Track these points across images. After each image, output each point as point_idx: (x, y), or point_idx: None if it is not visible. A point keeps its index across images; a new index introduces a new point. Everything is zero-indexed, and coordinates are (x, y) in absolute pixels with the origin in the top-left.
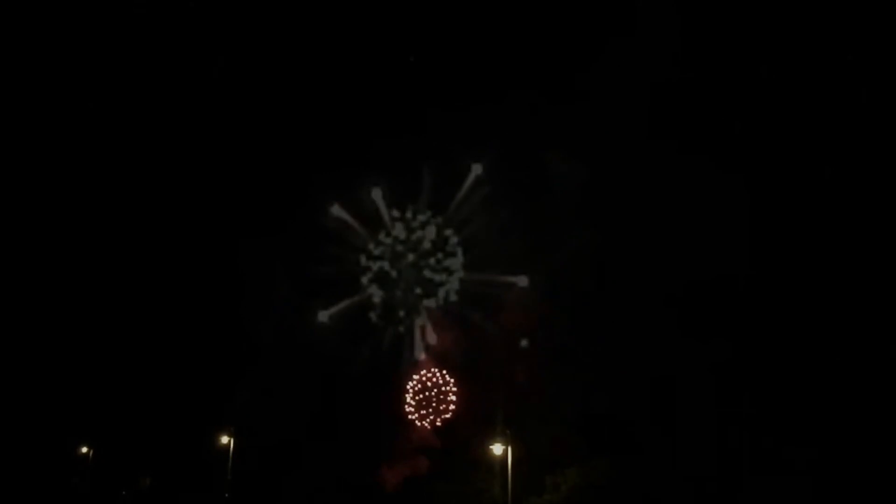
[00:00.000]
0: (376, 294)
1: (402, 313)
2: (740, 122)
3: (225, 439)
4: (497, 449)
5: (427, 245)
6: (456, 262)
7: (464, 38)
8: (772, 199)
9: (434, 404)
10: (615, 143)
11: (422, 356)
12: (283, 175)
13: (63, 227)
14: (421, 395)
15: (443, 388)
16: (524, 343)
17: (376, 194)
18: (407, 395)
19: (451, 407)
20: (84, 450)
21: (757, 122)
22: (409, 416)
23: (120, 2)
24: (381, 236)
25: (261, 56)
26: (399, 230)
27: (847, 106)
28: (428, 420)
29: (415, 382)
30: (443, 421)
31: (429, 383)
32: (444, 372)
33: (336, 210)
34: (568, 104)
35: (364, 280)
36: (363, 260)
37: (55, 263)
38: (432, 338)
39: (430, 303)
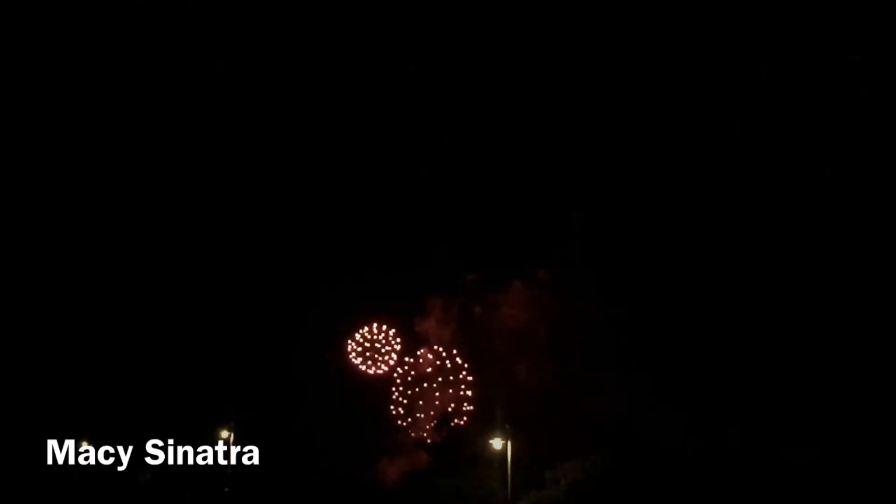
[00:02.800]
0: None
1: None
2: (740, 122)
3: (225, 434)
4: (497, 444)
5: None
6: None
7: None
8: (771, 198)
9: (437, 402)
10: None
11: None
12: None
13: (65, 226)
14: (416, 389)
15: (451, 379)
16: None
17: None
18: (394, 392)
19: (468, 407)
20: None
21: (757, 122)
22: (400, 423)
23: (120, 2)
24: None
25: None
26: None
27: (847, 106)
28: (428, 428)
29: (403, 370)
30: (453, 427)
31: (429, 368)
32: (456, 352)
33: None
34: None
35: None
36: None
37: (56, 261)
38: None
39: None
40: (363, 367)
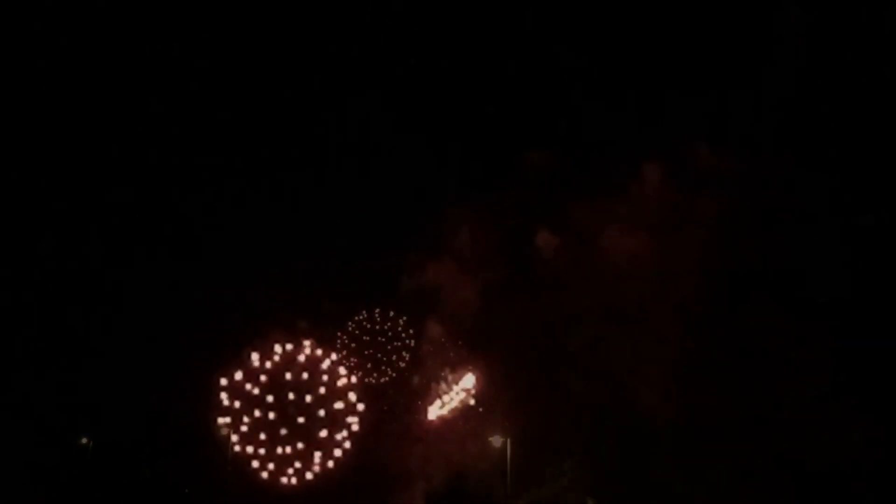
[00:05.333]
0: None
1: None
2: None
3: (224, 430)
4: (496, 441)
5: None
6: None
7: None
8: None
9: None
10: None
11: None
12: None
13: (62, 221)
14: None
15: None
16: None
17: None
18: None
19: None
20: (84, 440)
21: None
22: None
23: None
24: None
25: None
26: None
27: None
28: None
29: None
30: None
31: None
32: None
33: None
34: None
35: None
36: None
37: (54, 256)
38: None
39: None
40: (357, 376)
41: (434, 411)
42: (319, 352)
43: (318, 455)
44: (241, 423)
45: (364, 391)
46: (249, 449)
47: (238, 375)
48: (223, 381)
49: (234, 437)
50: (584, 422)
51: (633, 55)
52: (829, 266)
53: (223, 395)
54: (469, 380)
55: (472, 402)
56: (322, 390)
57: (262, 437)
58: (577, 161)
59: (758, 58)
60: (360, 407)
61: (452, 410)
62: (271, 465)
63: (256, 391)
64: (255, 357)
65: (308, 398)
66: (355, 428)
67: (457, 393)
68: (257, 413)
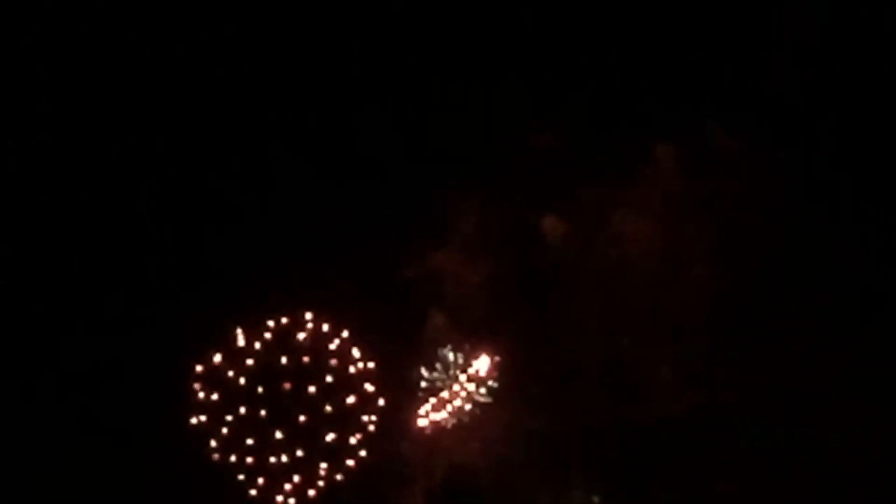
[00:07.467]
0: None
1: None
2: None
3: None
4: None
5: None
6: None
7: None
8: None
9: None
10: None
11: None
12: None
13: (61, 220)
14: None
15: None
16: None
17: None
18: None
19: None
20: None
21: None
22: None
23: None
24: None
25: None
26: None
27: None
28: None
29: None
30: None
31: None
32: None
33: None
34: None
35: None
36: None
37: (54, 255)
38: None
39: None
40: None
41: (428, 413)
42: (326, 328)
43: (323, 466)
44: (222, 422)
45: (384, 381)
46: (233, 458)
47: (217, 359)
48: (197, 368)
49: (213, 443)
50: (594, 420)
51: (641, 37)
52: (854, 261)
53: (197, 387)
54: (483, 364)
55: (485, 399)
56: (329, 379)
57: (250, 441)
58: (588, 143)
59: (775, 37)
60: (381, 402)
61: (457, 410)
62: (262, 480)
63: (242, 381)
64: (239, 335)
65: (310, 389)
66: (372, 429)
67: (461, 388)
68: (243, 410)
